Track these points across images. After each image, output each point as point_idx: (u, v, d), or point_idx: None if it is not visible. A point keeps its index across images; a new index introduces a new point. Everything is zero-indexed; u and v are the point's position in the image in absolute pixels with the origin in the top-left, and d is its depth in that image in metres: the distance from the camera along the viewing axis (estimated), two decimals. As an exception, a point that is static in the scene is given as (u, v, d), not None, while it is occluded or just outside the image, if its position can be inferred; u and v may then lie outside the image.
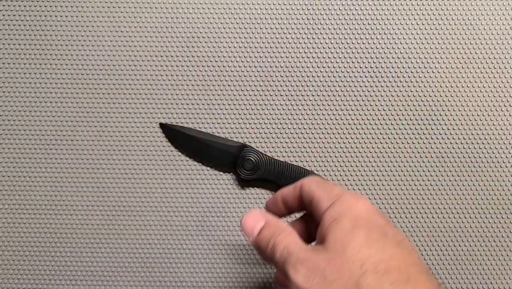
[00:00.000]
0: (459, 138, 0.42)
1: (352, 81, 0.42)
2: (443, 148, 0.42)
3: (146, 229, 0.41)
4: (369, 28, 0.42)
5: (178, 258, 0.41)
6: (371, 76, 0.42)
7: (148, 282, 0.41)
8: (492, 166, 0.42)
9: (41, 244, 0.41)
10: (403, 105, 0.42)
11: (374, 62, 0.42)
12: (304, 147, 0.42)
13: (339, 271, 0.25)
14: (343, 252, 0.26)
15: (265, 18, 0.42)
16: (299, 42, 0.42)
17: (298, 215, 0.33)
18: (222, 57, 0.42)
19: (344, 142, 0.42)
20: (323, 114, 0.42)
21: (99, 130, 0.42)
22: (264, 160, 0.40)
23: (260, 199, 0.42)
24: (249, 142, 0.42)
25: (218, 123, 0.42)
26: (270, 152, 0.42)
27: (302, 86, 0.42)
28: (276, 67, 0.42)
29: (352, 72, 0.42)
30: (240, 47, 0.42)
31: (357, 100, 0.42)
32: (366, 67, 0.42)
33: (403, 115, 0.42)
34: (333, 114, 0.42)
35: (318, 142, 0.42)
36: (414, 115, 0.42)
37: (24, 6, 0.42)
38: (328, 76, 0.42)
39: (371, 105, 0.42)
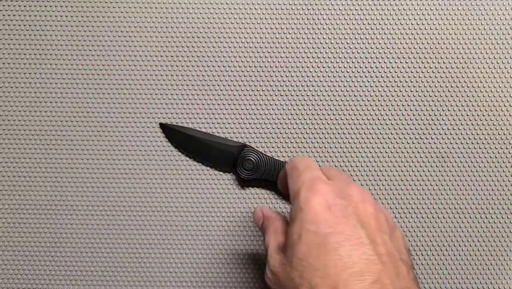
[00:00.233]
0: (459, 139, 0.42)
1: (352, 81, 0.42)
2: (443, 148, 0.42)
3: (146, 229, 0.41)
4: (369, 28, 0.42)
5: (178, 258, 0.41)
6: (371, 76, 0.42)
7: (148, 282, 0.41)
8: (492, 166, 0.42)
9: (41, 244, 0.41)
10: (403, 105, 0.42)
11: (374, 62, 0.42)
12: (304, 147, 0.42)
13: (288, 279, 0.27)
14: (291, 260, 0.27)
15: (265, 18, 0.42)
16: (299, 42, 0.42)
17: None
18: (222, 57, 0.42)
19: (344, 142, 0.42)
20: (323, 114, 0.42)
21: (99, 130, 0.42)
22: (264, 160, 0.40)
23: (260, 199, 0.42)
24: (249, 142, 0.42)
25: (218, 123, 0.42)
26: (270, 152, 0.42)
27: (302, 86, 0.42)
28: (276, 67, 0.42)
29: (352, 72, 0.42)
30: (240, 47, 0.42)
31: (357, 100, 0.42)
32: (366, 67, 0.42)
33: (403, 115, 0.42)
34: (333, 114, 0.42)
35: (318, 143, 0.42)
36: (414, 115, 0.42)
37: (24, 6, 0.42)
38: (328, 76, 0.42)
39: (371, 105, 0.42)
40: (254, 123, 0.42)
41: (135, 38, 0.42)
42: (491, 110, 0.42)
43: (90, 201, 0.42)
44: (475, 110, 0.42)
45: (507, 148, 0.42)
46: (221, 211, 0.42)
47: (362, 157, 0.42)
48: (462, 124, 0.42)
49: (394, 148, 0.42)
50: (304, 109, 0.42)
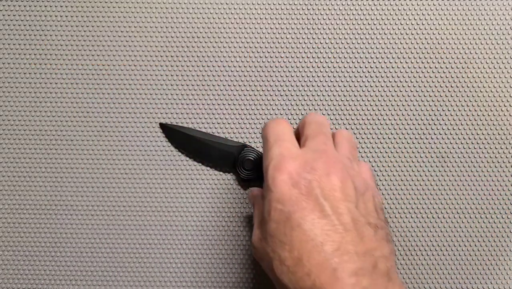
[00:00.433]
0: (459, 139, 0.42)
1: (352, 81, 0.42)
2: (443, 148, 0.42)
3: (146, 229, 0.41)
4: (369, 28, 0.42)
5: (178, 258, 0.41)
6: (371, 76, 0.42)
7: (148, 282, 0.41)
8: (492, 166, 0.42)
9: (41, 244, 0.41)
10: (403, 105, 0.42)
11: (374, 62, 0.42)
12: (304, 147, 0.42)
13: (265, 253, 0.30)
14: (265, 236, 0.30)
15: (265, 18, 0.42)
16: (299, 42, 0.42)
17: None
18: (222, 57, 0.42)
19: (344, 142, 0.42)
20: (323, 114, 0.42)
21: (99, 130, 0.42)
22: (264, 160, 0.40)
23: (260, 199, 0.42)
24: (249, 142, 0.42)
25: (218, 123, 0.42)
26: (270, 152, 0.42)
27: (302, 86, 0.42)
28: (276, 67, 0.42)
29: (352, 72, 0.42)
30: (240, 47, 0.42)
31: (357, 100, 0.42)
32: (366, 67, 0.42)
33: (403, 115, 0.42)
34: (333, 114, 0.42)
35: (318, 142, 0.42)
36: (414, 115, 0.42)
37: (24, 6, 0.42)
38: (328, 76, 0.42)
39: (371, 105, 0.42)
40: (254, 123, 0.42)
41: (135, 38, 0.42)
42: (491, 110, 0.42)
43: (90, 201, 0.42)
44: (475, 110, 0.42)
45: (507, 148, 0.42)
46: (221, 211, 0.42)
47: (362, 157, 0.42)
48: (462, 124, 0.42)
49: (394, 148, 0.42)
50: (304, 109, 0.42)
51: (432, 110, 0.42)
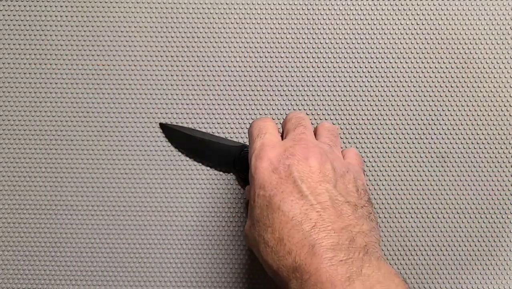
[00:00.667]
0: (459, 139, 0.42)
1: (352, 81, 0.42)
2: (443, 148, 0.42)
3: (146, 229, 0.41)
4: (369, 28, 0.42)
5: (178, 258, 0.41)
6: (371, 76, 0.42)
7: (148, 282, 0.41)
8: (492, 166, 0.42)
9: (41, 244, 0.41)
10: (403, 105, 0.42)
11: (374, 62, 0.42)
12: (304, 147, 0.42)
13: (253, 238, 0.31)
14: (253, 222, 0.31)
15: (265, 18, 0.42)
16: (299, 42, 0.42)
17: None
18: (222, 57, 0.42)
19: (344, 142, 0.42)
20: (322, 114, 0.42)
21: (99, 130, 0.42)
22: (264, 160, 0.40)
23: (260, 199, 0.42)
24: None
25: (218, 123, 0.42)
26: (270, 152, 0.42)
27: (302, 86, 0.42)
28: (276, 67, 0.42)
29: (352, 72, 0.42)
30: (240, 47, 0.42)
31: (357, 100, 0.42)
32: (366, 67, 0.42)
33: (403, 115, 0.42)
34: (333, 114, 0.42)
35: (318, 142, 0.42)
36: (414, 115, 0.42)
37: (24, 6, 0.42)
38: (328, 76, 0.42)
39: (371, 105, 0.42)
40: (254, 123, 0.42)
41: (135, 38, 0.42)
42: (491, 110, 0.42)
43: (90, 201, 0.42)
44: (475, 110, 0.42)
45: (507, 148, 0.42)
46: (221, 211, 0.42)
47: (362, 156, 0.42)
48: (462, 124, 0.42)
49: (394, 147, 0.42)
50: (304, 109, 0.42)
51: (432, 110, 0.42)
